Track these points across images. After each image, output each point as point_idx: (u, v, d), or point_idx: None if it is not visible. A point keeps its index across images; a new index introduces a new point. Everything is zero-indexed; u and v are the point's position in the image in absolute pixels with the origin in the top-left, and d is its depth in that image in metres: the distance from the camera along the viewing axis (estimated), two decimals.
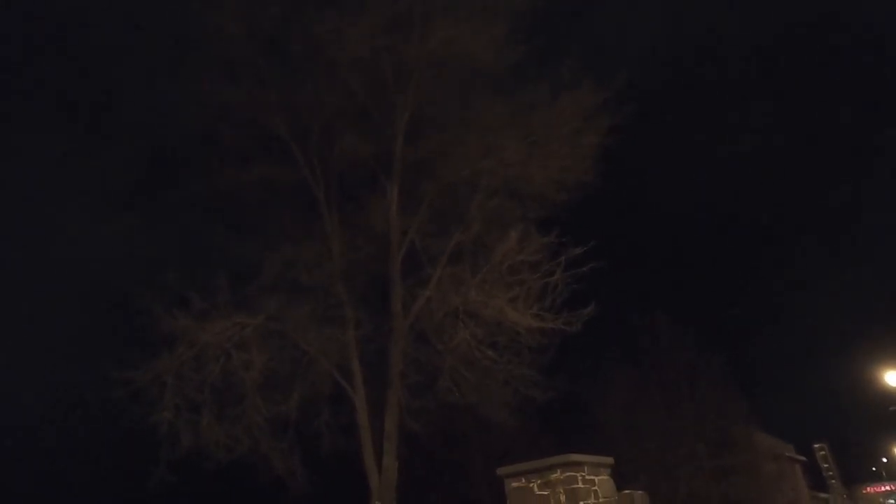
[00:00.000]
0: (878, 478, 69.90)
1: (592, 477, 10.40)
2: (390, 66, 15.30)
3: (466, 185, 15.57)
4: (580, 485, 10.08)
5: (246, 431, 14.05)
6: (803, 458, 40.35)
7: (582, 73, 15.06)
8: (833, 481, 49.08)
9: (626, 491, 11.40)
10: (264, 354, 14.39)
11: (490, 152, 15.24)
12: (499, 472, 10.92)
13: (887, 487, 65.65)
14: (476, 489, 24.23)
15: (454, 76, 15.89)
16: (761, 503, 25.36)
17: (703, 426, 24.96)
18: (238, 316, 14.29)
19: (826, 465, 48.70)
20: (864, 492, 64.84)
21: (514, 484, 10.50)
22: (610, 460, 11.05)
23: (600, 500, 10.36)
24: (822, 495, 45.48)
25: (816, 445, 48.44)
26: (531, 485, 10.30)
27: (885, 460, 69.12)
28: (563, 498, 9.94)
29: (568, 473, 10.07)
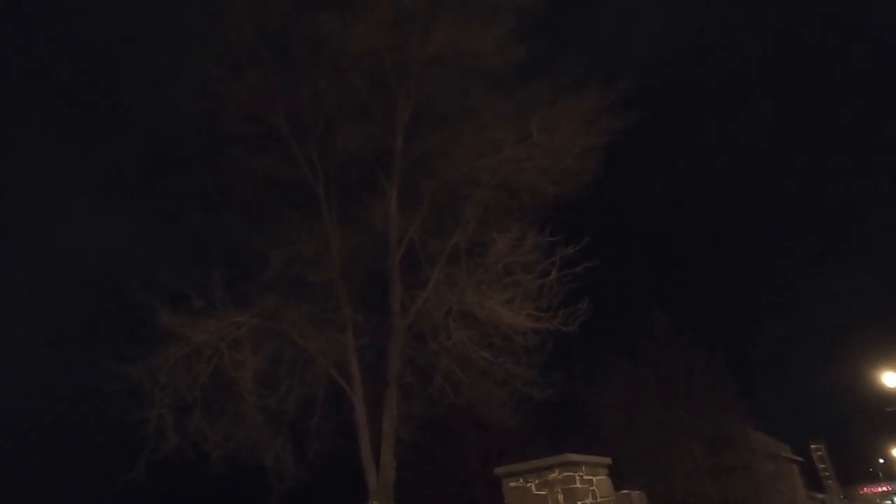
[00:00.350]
0: (875, 478, 70.10)
1: (590, 477, 10.39)
2: (392, 63, 15.28)
3: (466, 183, 15.55)
4: (578, 485, 10.07)
5: (241, 430, 14.04)
6: (800, 458, 40.40)
7: (583, 73, 15.05)
8: (830, 482, 49.15)
9: (624, 491, 11.41)
10: (258, 354, 14.33)
11: (490, 151, 15.22)
12: (496, 472, 10.90)
13: (884, 488, 65.83)
14: (473, 488, 24.27)
15: (455, 74, 15.88)
16: (758, 503, 25.38)
17: (700, 425, 24.97)
18: (234, 314, 14.25)
19: (823, 466, 48.78)
20: (861, 492, 65.03)
21: (512, 484, 10.49)
22: (608, 460, 11.05)
23: (598, 499, 10.35)
24: (819, 496, 45.56)
25: (813, 445, 48.51)
26: (529, 484, 10.28)
27: (882, 461, 69.31)
28: (560, 498, 9.93)
29: (566, 473, 10.05)
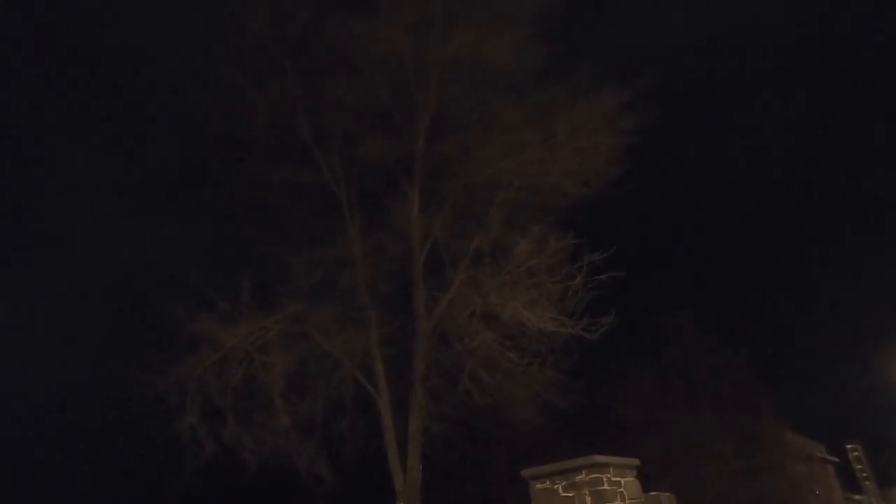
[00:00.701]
0: None
1: (618, 478, 10.34)
2: (412, 68, 15.37)
3: (488, 185, 15.57)
4: (606, 486, 10.02)
5: (272, 435, 14.21)
6: (836, 458, 39.55)
7: (603, 73, 15.00)
8: (867, 483, 47.97)
9: (653, 493, 11.31)
10: (287, 358, 14.51)
11: (511, 152, 15.22)
12: (523, 474, 10.90)
13: None
14: (499, 490, 24.19)
15: (475, 77, 15.91)
16: None
17: (728, 426, 24.61)
18: (261, 319, 14.45)
19: (860, 466, 47.63)
20: None
21: (539, 486, 10.47)
22: (636, 461, 10.97)
23: (626, 501, 10.29)
24: (857, 497, 44.51)
25: (849, 446, 47.41)
26: (556, 486, 10.26)
27: None
28: (588, 500, 9.89)
29: (593, 475, 10.01)
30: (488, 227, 15.06)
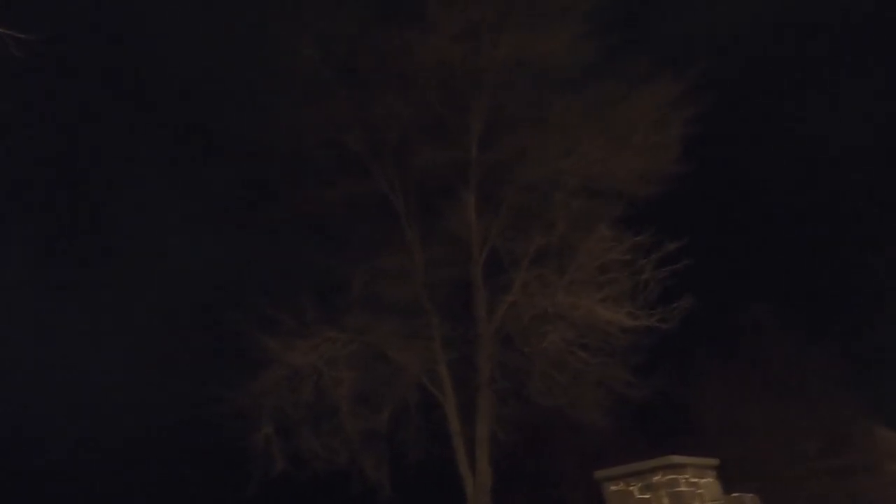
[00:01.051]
0: None
1: (696, 479, 10.01)
2: (463, 74, 15.41)
3: (547, 185, 15.41)
4: (683, 488, 9.71)
5: (342, 444, 14.45)
6: None
7: (658, 64, 14.65)
8: None
9: (735, 494, 10.87)
10: (354, 370, 14.75)
11: (569, 151, 15.02)
12: (596, 476, 10.69)
13: None
14: (568, 492, 23.79)
15: (527, 78, 15.82)
16: None
17: (813, 424, 23.41)
18: (327, 333, 14.74)
19: None
20: None
21: (613, 487, 10.26)
22: (715, 461, 10.60)
23: (706, 503, 9.93)
24: None
25: None
26: (631, 488, 10.03)
27: None
28: (666, 501, 9.61)
29: (670, 476, 9.74)
30: (552, 226, 14.87)
